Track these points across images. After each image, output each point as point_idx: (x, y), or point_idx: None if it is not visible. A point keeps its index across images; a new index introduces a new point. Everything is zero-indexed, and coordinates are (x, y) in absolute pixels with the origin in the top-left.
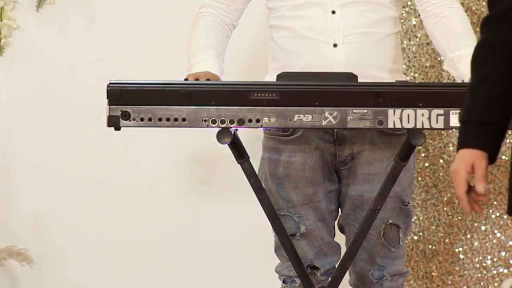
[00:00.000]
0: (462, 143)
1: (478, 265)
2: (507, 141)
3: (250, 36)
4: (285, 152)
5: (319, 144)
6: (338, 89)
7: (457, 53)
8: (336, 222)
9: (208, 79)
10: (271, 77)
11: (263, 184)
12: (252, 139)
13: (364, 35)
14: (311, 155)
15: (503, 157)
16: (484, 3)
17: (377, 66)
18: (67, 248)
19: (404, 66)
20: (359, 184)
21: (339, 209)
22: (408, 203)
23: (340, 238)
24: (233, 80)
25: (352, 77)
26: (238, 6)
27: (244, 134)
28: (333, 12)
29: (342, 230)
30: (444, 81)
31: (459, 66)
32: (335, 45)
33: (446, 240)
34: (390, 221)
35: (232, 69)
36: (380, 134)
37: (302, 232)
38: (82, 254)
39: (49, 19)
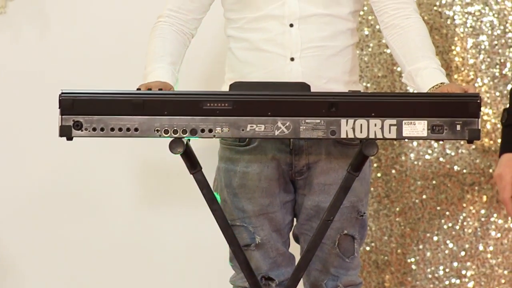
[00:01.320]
0: (506, 147)
1: (430, 276)
2: (460, 151)
3: (208, 46)
4: (241, 162)
5: (275, 154)
6: (291, 99)
7: (414, 66)
8: (291, 232)
9: (160, 89)
10: (227, 87)
11: (218, 194)
12: (206, 149)
13: (321, 49)
14: (267, 165)
15: (455, 167)
16: (436, 13)
17: (334, 80)
18: (18, 260)
19: None
20: (314, 194)
21: (294, 219)
22: (364, 213)
23: (295, 248)
24: (190, 89)
25: (305, 87)
26: (196, 15)
27: (198, 144)
28: (291, 25)
29: (297, 240)
30: (397, 91)
31: (416, 80)
32: (292, 59)
33: (399, 251)
34: (345, 232)
35: (189, 79)
36: (337, 144)
37: (257, 242)
38: (34, 266)
39: (0, 28)
